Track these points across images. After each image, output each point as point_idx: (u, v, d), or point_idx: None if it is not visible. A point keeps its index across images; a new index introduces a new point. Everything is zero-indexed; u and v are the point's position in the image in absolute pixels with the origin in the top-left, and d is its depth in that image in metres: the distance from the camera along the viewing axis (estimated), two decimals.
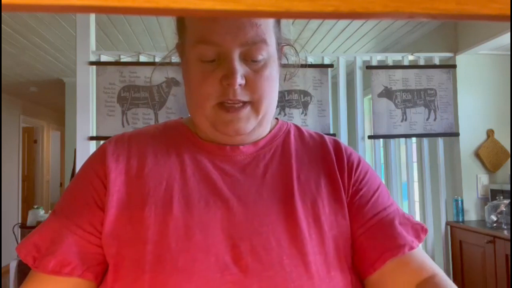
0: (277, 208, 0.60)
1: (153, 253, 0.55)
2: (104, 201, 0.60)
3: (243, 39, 0.57)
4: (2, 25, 3.07)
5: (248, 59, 0.59)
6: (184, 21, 0.63)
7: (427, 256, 0.63)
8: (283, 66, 0.69)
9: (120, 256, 0.57)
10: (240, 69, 0.58)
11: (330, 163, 0.67)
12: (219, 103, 0.59)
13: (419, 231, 0.63)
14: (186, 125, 0.69)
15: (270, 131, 0.69)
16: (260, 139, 0.67)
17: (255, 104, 0.60)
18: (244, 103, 0.60)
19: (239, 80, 0.57)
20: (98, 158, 0.64)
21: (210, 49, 0.58)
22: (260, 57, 0.59)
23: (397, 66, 2.92)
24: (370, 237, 0.62)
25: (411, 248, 0.61)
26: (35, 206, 3.60)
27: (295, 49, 0.71)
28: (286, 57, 0.70)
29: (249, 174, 0.63)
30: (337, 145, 0.70)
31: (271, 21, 0.61)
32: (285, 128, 0.71)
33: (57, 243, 0.59)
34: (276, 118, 0.73)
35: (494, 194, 2.85)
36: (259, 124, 0.64)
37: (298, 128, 0.73)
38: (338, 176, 0.65)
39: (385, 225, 0.63)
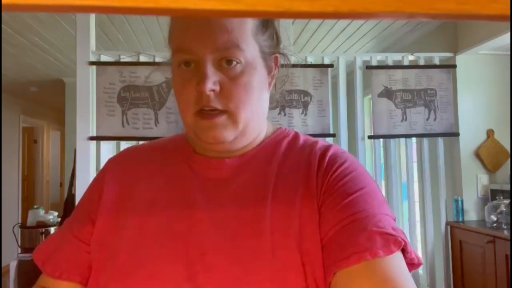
0: (248, 223, 0.59)
1: (124, 262, 0.59)
2: (96, 213, 0.66)
3: (214, 45, 0.57)
4: (2, 25, 3.07)
5: (222, 64, 0.59)
6: (170, 31, 0.64)
7: (398, 272, 0.50)
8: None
9: (100, 262, 0.62)
10: (213, 75, 0.57)
11: (311, 173, 0.62)
12: (198, 111, 0.59)
13: (389, 241, 0.51)
14: (186, 137, 0.72)
15: (263, 141, 0.68)
16: (249, 150, 0.66)
17: (232, 114, 0.59)
18: (221, 111, 0.59)
19: (210, 86, 0.57)
20: (101, 172, 0.72)
21: (186, 57, 0.59)
22: (233, 62, 0.58)
23: (397, 66, 2.92)
24: (327, 247, 0.55)
25: (360, 258, 0.50)
26: (35, 206, 3.59)
27: (287, 58, 0.69)
28: (278, 66, 0.68)
29: (229, 188, 0.62)
30: (324, 152, 0.65)
31: (249, 27, 0.60)
32: (280, 138, 0.69)
33: (57, 249, 0.67)
34: (279, 127, 0.72)
35: (494, 194, 2.85)
36: (242, 135, 0.62)
37: (295, 137, 0.69)
38: (315, 185, 0.60)
39: (346, 232, 0.54)
